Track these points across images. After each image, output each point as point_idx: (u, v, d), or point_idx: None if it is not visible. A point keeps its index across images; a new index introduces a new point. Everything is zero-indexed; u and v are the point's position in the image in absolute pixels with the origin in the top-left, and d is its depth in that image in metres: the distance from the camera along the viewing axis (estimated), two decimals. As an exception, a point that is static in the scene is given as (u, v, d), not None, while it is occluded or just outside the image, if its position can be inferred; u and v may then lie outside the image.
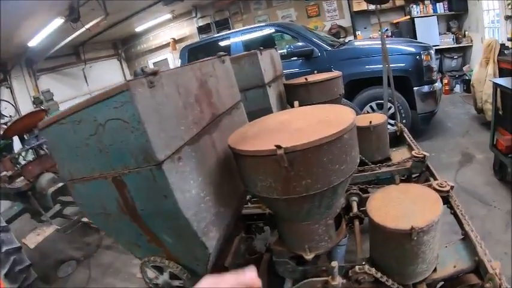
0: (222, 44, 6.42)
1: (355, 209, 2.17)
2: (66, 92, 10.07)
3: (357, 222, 2.08)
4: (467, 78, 7.55)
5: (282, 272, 1.91)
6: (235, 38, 6.26)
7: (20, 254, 3.57)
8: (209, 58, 2.02)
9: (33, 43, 8.11)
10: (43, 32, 7.68)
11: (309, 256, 1.68)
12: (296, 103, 1.97)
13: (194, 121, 1.61)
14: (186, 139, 1.51)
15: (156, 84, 1.37)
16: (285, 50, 5.53)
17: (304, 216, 1.60)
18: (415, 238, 1.41)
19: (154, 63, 12.29)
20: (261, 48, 3.01)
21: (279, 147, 1.29)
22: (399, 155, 3.16)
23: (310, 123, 1.50)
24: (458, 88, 8.02)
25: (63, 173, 1.59)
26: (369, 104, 5.15)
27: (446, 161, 4.66)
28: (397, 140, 3.52)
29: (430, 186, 2.10)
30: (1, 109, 6.66)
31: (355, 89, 5.25)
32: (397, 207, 1.64)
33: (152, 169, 1.31)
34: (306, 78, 3.12)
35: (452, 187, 2.06)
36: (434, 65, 5.06)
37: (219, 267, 1.79)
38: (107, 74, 11.78)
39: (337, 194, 1.55)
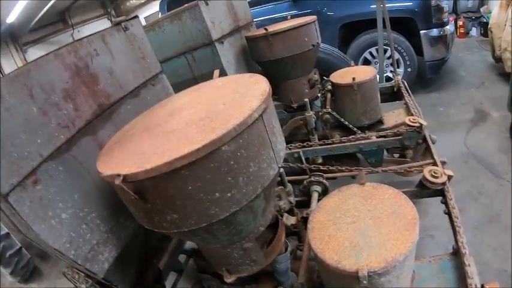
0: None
1: (313, 204, 1.68)
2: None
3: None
4: (485, 20, 6.52)
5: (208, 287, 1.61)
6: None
7: (10, 240, 3.66)
8: (98, 31, 1.55)
9: (10, 19, 7.84)
10: (17, 7, 7.49)
11: (229, 279, 1.29)
12: (216, 73, 1.42)
13: (62, 125, 1.30)
14: (47, 153, 1.22)
15: None
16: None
17: (200, 242, 1.16)
18: (365, 282, 0.96)
19: (145, 18, 11.60)
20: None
21: (117, 175, 0.82)
22: (394, 117, 2.64)
23: (194, 118, 0.97)
24: (474, 32, 7.02)
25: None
26: (368, 50, 4.42)
27: (457, 118, 3.97)
28: (394, 95, 2.94)
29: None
30: None
31: (352, 33, 4.52)
32: (349, 227, 1.13)
33: (1, 201, 1.09)
34: (265, 29, 2.51)
35: (450, 177, 1.54)
36: (445, 5, 4.22)
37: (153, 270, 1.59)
38: (99, 35, 11.23)
39: (238, 222, 1.05)
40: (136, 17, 1.73)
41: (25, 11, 7.79)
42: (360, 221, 1.14)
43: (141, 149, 0.93)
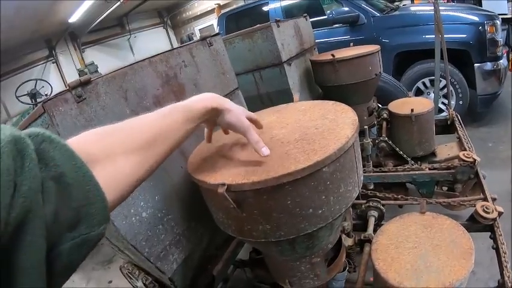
0: (261, 10, 5.87)
1: (370, 228, 1.73)
2: (113, 63, 10.22)
3: (367, 249, 1.63)
4: (538, 54, 6.33)
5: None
6: (274, 3, 5.67)
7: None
8: (187, 43, 1.66)
9: (73, 19, 8.38)
10: (81, 8, 7.96)
11: None
12: (296, 96, 1.52)
13: (150, 129, 1.32)
14: (135, 154, 1.24)
15: (88, 95, 1.15)
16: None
17: (276, 253, 1.22)
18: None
19: (200, 30, 12.05)
20: (277, 20, 2.52)
21: (222, 184, 0.91)
22: (446, 150, 2.66)
23: (289, 138, 1.06)
24: None
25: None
26: (421, 80, 4.42)
27: (505, 154, 3.86)
28: (447, 128, 2.94)
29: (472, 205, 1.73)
30: (37, 88, 6.78)
31: (406, 62, 4.54)
32: (410, 252, 1.23)
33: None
34: (332, 55, 2.60)
35: (500, 214, 1.57)
36: (500, 38, 4.16)
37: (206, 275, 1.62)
38: (153, 42, 11.83)
39: (318, 237, 1.13)
40: (218, 34, 1.84)
41: (87, 13, 8.26)
42: (420, 247, 1.24)
43: (240, 161, 1.03)
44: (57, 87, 8.12)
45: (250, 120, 1.02)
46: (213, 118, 0.91)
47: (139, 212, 1.29)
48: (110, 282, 3.60)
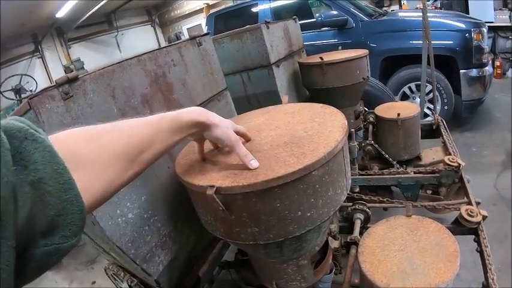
0: (250, 11, 5.89)
1: (356, 231, 1.74)
2: (99, 59, 10.10)
3: (353, 251, 1.65)
4: (522, 62, 6.48)
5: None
6: (264, 4, 5.67)
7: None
8: (176, 42, 1.65)
9: (60, 14, 8.25)
10: (68, 3, 7.89)
11: None
12: (285, 98, 1.52)
13: (137, 129, 1.29)
14: (120, 154, 1.22)
15: (75, 92, 1.13)
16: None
17: (264, 256, 1.22)
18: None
19: (188, 29, 12.02)
20: (267, 21, 2.53)
21: (211, 186, 0.90)
22: (431, 155, 2.70)
23: (278, 141, 1.06)
24: (510, 73, 6.89)
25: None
26: (408, 85, 4.50)
27: (488, 159, 3.98)
28: (432, 133, 2.99)
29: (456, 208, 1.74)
30: (22, 83, 6.68)
31: (393, 67, 4.60)
32: (397, 254, 1.25)
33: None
34: (321, 58, 2.61)
35: (484, 217, 1.60)
36: (486, 45, 4.25)
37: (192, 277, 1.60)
38: (141, 40, 11.78)
39: (306, 240, 1.13)
40: (208, 33, 1.84)
41: (75, 8, 8.17)
42: (406, 250, 1.26)
43: (229, 163, 1.02)
44: (43, 82, 8.00)
45: (238, 133, 1.03)
46: (200, 132, 0.91)
47: (126, 212, 1.27)
48: (94, 282, 3.56)
